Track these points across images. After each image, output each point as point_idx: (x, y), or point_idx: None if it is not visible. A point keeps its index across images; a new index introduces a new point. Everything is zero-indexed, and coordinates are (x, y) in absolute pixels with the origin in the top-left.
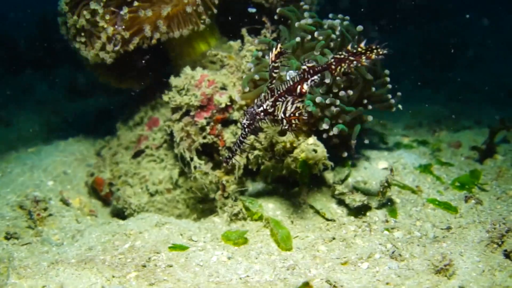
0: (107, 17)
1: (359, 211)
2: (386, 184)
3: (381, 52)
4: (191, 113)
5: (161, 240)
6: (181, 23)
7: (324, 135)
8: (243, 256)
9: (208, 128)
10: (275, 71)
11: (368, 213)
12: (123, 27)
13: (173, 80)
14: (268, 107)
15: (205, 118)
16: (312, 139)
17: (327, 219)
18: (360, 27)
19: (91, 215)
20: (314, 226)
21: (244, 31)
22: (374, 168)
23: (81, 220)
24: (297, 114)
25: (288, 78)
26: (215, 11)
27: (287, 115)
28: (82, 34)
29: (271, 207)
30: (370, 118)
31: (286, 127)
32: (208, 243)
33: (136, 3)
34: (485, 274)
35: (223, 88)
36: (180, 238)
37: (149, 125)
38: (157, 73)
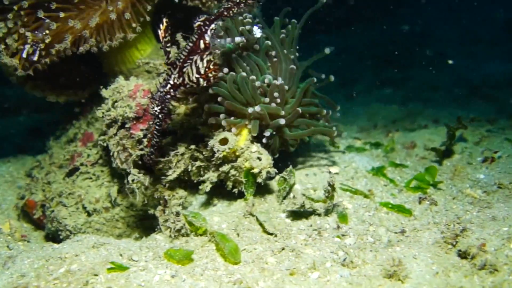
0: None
1: (303, 217)
2: (329, 188)
3: None
4: (127, 126)
5: (99, 261)
6: (110, 31)
7: (264, 140)
8: (188, 273)
9: (145, 140)
10: (167, 45)
11: (318, 221)
12: (45, 33)
13: (105, 92)
14: (176, 80)
15: (142, 130)
16: (256, 147)
17: (268, 233)
18: None
19: (23, 240)
20: (262, 238)
21: (179, 36)
22: (324, 174)
23: (13, 246)
24: (211, 67)
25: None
26: (148, 18)
27: (202, 72)
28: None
29: (216, 221)
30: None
31: (205, 83)
32: (150, 262)
33: (62, 14)
34: (439, 276)
35: None
36: (120, 258)
37: (83, 141)
38: (95, 84)
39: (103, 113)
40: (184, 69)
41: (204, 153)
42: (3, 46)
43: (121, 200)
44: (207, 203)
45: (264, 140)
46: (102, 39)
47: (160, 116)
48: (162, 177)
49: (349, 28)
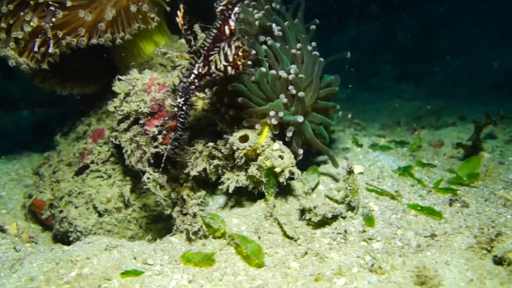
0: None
1: (333, 222)
2: (350, 188)
3: None
4: (141, 122)
5: (112, 265)
6: (126, 22)
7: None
8: (206, 278)
9: (160, 137)
10: (188, 33)
11: (343, 223)
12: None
13: (118, 86)
14: (200, 69)
15: (157, 126)
16: (278, 145)
17: (288, 237)
18: None
19: (31, 242)
20: (284, 241)
21: (197, 27)
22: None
23: (20, 248)
24: (240, 53)
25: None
26: (168, 8)
27: (230, 60)
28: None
29: (234, 223)
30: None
31: (233, 72)
32: (166, 265)
33: (69, 3)
34: (474, 284)
35: None
36: (134, 262)
37: (94, 137)
38: (104, 79)
39: (115, 107)
40: (211, 58)
41: (223, 151)
42: (12, 44)
43: (134, 199)
44: (225, 204)
45: (287, 139)
46: (116, 30)
47: (184, 108)
48: (181, 175)
49: (365, 19)
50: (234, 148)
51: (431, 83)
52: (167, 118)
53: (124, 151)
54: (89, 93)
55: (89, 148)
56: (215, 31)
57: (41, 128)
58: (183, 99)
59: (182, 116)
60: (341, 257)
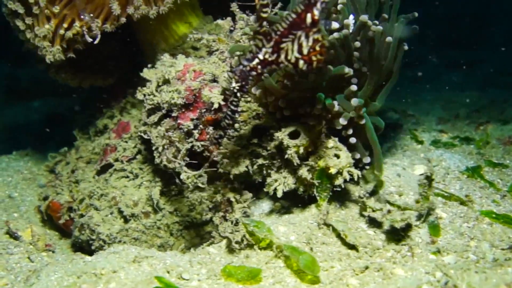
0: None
1: (398, 233)
2: (424, 194)
3: None
4: (174, 114)
5: (143, 279)
6: None
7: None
8: None
9: (196, 132)
10: (263, 10)
11: (408, 233)
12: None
13: (148, 73)
14: (267, 55)
15: (192, 119)
16: (332, 142)
17: (349, 245)
18: None
19: (48, 251)
20: (341, 253)
21: (234, 6)
22: (409, 175)
23: (35, 257)
24: (318, 48)
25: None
26: None
27: (305, 52)
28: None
29: (282, 231)
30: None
31: (305, 67)
32: (204, 281)
33: None
34: None
35: (214, 80)
36: (167, 276)
37: (118, 132)
38: (126, 65)
39: (144, 95)
40: (283, 45)
41: (268, 148)
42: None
43: (163, 203)
44: (270, 210)
45: (343, 133)
46: (148, 3)
47: (238, 95)
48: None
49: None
50: (284, 145)
51: (484, 72)
52: (204, 110)
53: (154, 148)
54: (101, 85)
55: (112, 144)
56: (294, 15)
57: (54, 120)
58: (239, 84)
59: (234, 103)
60: (408, 272)
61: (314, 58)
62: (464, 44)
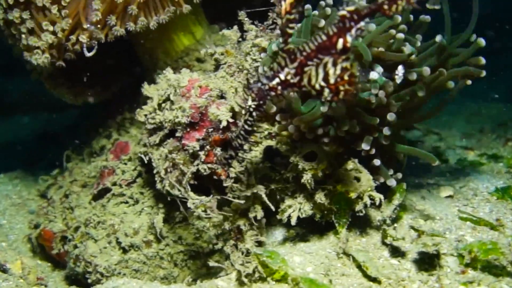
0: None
1: (424, 262)
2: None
3: None
4: (178, 134)
5: None
6: (157, 5)
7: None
8: None
9: (202, 154)
10: (290, 25)
11: (435, 262)
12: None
13: (149, 89)
14: (289, 76)
15: (198, 140)
16: (352, 164)
17: (371, 278)
18: None
19: (40, 285)
20: (363, 286)
21: (243, 14)
22: (435, 197)
23: None
24: (346, 78)
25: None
26: None
27: (331, 81)
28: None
29: (297, 262)
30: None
31: (330, 97)
32: None
33: None
34: None
35: (221, 96)
36: None
37: (116, 153)
38: (123, 80)
39: (145, 116)
40: (307, 68)
41: (282, 172)
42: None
43: (167, 231)
44: (283, 238)
45: (363, 153)
46: (148, 13)
47: (254, 114)
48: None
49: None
50: (300, 168)
51: (509, 80)
52: (211, 129)
53: (155, 171)
54: (95, 102)
55: (110, 166)
56: (324, 37)
57: (46, 138)
58: (255, 102)
59: (248, 122)
60: None
61: (341, 88)
62: (487, 49)
